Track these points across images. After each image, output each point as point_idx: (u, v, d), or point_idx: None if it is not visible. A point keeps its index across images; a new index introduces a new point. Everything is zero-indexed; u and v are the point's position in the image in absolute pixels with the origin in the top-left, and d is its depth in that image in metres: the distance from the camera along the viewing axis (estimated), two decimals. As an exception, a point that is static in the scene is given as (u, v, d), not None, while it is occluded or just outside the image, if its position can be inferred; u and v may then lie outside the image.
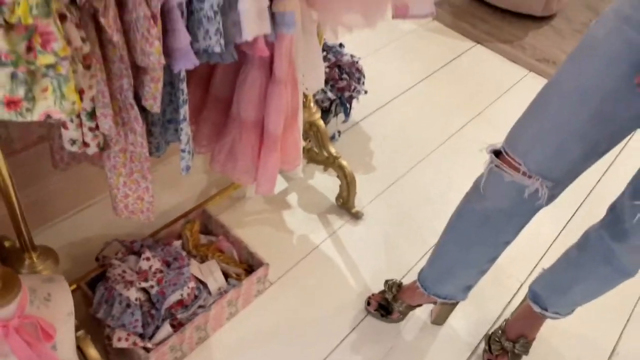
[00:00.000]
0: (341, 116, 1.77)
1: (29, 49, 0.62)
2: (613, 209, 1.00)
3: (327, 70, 1.65)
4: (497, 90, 2.22)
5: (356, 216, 1.62)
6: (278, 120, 1.04)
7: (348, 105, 1.70)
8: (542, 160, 0.88)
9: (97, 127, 0.83)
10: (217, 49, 0.80)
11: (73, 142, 0.84)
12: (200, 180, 1.62)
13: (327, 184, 1.69)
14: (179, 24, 0.75)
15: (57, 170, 1.05)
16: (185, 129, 0.92)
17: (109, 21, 0.69)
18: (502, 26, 2.56)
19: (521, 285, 1.52)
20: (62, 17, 0.63)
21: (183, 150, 0.95)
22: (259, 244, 1.36)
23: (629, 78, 0.75)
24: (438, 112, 2.07)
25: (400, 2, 1.01)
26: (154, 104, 0.82)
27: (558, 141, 0.85)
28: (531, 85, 2.30)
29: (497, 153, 0.95)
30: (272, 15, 0.88)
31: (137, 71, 0.80)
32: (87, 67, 0.70)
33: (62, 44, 0.62)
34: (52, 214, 1.40)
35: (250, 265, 1.36)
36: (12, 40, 0.61)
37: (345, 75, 1.67)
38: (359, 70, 1.71)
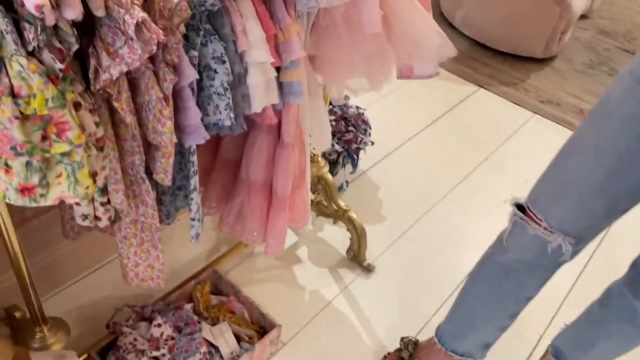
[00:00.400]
0: (349, 167, 1.78)
1: (44, 137, 0.64)
2: (635, 265, 0.99)
3: (334, 123, 1.67)
4: (503, 134, 2.24)
5: (368, 269, 1.60)
6: (286, 183, 1.05)
7: (355, 157, 1.71)
8: (564, 217, 0.88)
9: (108, 201, 0.84)
10: (228, 123, 0.82)
11: (85, 217, 0.85)
12: (210, 237, 1.61)
13: (337, 236, 1.68)
14: (190, 102, 0.77)
15: (68, 239, 1.05)
16: (196, 199, 0.92)
17: (122, 104, 0.70)
18: (503, 69, 2.60)
19: (540, 338, 1.48)
20: (77, 105, 0.65)
21: (193, 219, 0.96)
22: (271, 302, 1.34)
23: None
24: (445, 159, 2.08)
25: (405, 64, 1.03)
26: (165, 178, 0.83)
27: (578, 198, 0.85)
28: (537, 127, 2.31)
29: (520, 207, 0.95)
30: (280, 85, 0.90)
31: (149, 146, 0.81)
32: (100, 148, 0.72)
33: (77, 133, 0.63)
34: (61, 278, 1.39)
35: (262, 326, 1.34)
36: (28, 131, 0.62)
37: (351, 128, 1.69)
38: (365, 122, 1.73)
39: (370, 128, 1.75)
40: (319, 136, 1.11)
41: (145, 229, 0.94)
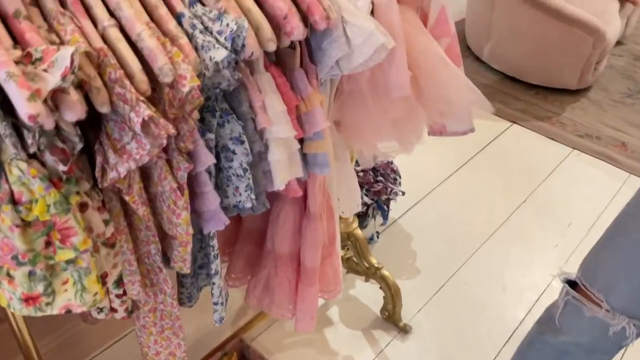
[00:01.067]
0: (379, 218, 1.70)
1: (48, 243, 0.59)
2: None
3: (361, 174, 1.60)
4: (541, 172, 2.12)
5: (404, 330, 1.50)
6: (315, 254, 0.98)
7: (386, 208, 1.63)
8: (628, 298, 0.78)
9: (124, 293, 0.78)
10: (248, 204, 0.76)
11: (100, 310, 0.80)
12: (234, 301, 1.54)
13: (369, 294, 1.59)
14: (207, 187, 0.71)
15: (87, 323, 1.00)
16: (218, 282, 0.86)
17: (134, 197, 0.65)
18: (537, 103, 2.50)
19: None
20: (83, 206, 0.60)
21: (216, 303, 0.89)
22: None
23: None
24: (480, 202, 1.98)
25: (436, 123, 0.96)
26: (184, 266, 0.77)
27: None
28: (577, 163, 2.19)
29: (571, 283, 0.85)
30: (304, 156, 0.84)
31: (165, 234, 0.76)
32: (111, 245, 0.66)
33: (83, 238, 0.58)
34: (81, 353, 1.34)
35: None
36: (29, 239, 0.58)
37: (380, 178, 1.61)
38: (394, 171, 1.65)
39: (400, 177, 1.68)
40: (348, 199, 1.04)
41: (165, 317, 0.88)
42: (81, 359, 1.34)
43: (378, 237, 1.75)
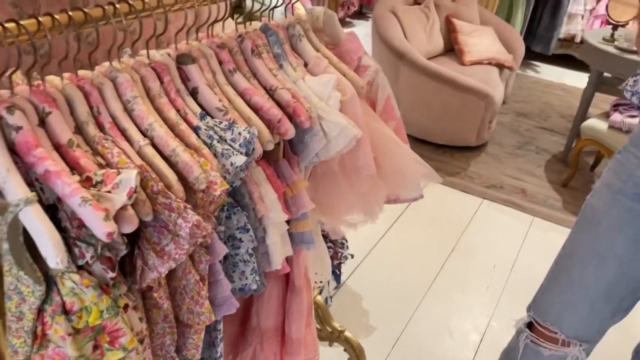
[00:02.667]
0: (332, 282, 1.81)
1: (95, 347, 0.63)
2: (637, 353, 1.07)
3: (311, 243, 1.71)
4: (461, 222, 2.39)
5: (371, 388, 1.58)
6: (300, 326, 1.06)
7: (338, 272, 1.75)
8: (577, 324, 0.95)
9: None
10: (254, 286, 0.84)
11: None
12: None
13: (334, 357, 1.67)
14: (221, 275, 0.79)
15: None
16: (222, 364, 0.91)
17: (161, 293, 0.71)
18: (446, 160, 2.83)
19: None
20: (125, 307, 0.65)
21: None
22: None
23: (638, 241, 0.86)
24: (417, 254, 2.17)
25: (392, 194, 1.13)
26: (197, 353, 0.82)
27: (588, 304, 0.93)
28: (489, 212, 2.49)
29: (528, 325, 1.00)
30: (290, 235, 0.95)
31: (178, 324, 0.81)
32: (141, 342, 0.71)
33: (130, 337, 0.63)
34: None
35: None
36: (79, 345, 0.62)
37: (330, 244, 1.74)
38: (343, 239, 1.79)
39: (346, 240, 1.81)
40: (322, 269, 1.15)
41: None
42: None
43: (331, 301, 1.85)
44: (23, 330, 0.63)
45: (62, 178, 0.59)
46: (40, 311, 0.63)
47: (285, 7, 1.01)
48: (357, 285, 1.99)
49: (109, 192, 0.59)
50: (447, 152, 2.90)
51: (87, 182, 0.60)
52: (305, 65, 0.97)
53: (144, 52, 0.78)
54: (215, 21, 0.86)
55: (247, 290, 0.85)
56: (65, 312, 0.61)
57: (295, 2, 1.04)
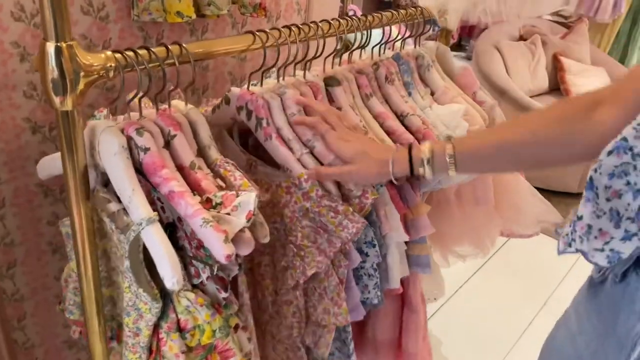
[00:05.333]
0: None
1: None
2: None
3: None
4: (555, 274, 2.40)
5: None
6: (417, 341, 1.16)
7: (424, 312, 1.83)
8: None
9: None
10: (375, 301, 0.96)
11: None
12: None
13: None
14: (352, 282, 0.92)
15: None
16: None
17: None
18: (541, 206, 2.86)
19: None
20: (236, 327, 0.75)
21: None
22: None
23: None
24: (502, 305, 2.20)
25: (506, 228, 1.22)
26: (327, 351, 0.95)
27: None
28: (587, 265, 2.47)
29: None
30: (407, 257, 1.06)
31: (311, 324, 0.94)
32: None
33: (240, 357, 0.73)
34: None
35: None
36: None
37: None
38: (430, 274, 1.87)
39: (433, 280, 1.90)
40: (435, 288, 1.25)
41: None
42: None
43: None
44: (139, 346, 0.71)
45: (186, 199, 0.66)
46: (155, 327, 0.70)
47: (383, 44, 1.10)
48: (437, 329, 2.05)
49: (228, 214, 0.66)
50: (545, 196, 2.92)
51: (207, 203, 0.68)
52: (432, 94, 1.11)
53: (297, 72, 0.94)
54: (356, 48, 1.01)
55: (368, 304, 0.97)
56: (180, 329, 0.70)
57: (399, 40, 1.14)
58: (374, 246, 0.94)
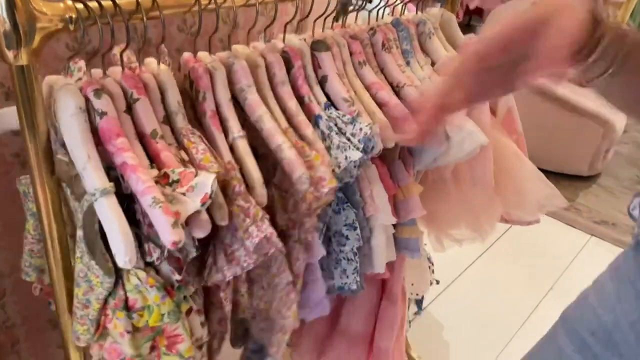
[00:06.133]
0: (412, 307, 1.82)
1: (153, 348, 0.68)
2: None
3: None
4: (562, 260, 2.32)
5: None
6: (390, 335, 1.10)
7: (421, 298, 1.76)
8: None
9: None
10: (354, 286, 0.89)
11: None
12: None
13: (405, 386, 1.68)
14: (318, 274, 0.85)
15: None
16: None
17: (227, 294, 0.76)
18: (550, 188, 2.76)
19: None
20: (188, 311, 0.70)
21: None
22: None
23: None
24: (506, 290, 2.13)
25: (506, 213, 1.14)
26: (278, 352, 0.88)
27: None
28: (597, 251, 2.40)
29: None
30: (395, 239, 0.99)
31: (266, 318, 0.87)
32: (200, 347, 0.76)
33: (188, 345, 0.67)
34: None
35: None
36: (137, 344, 0.66)
37: (415, 263, 1.76)
38: (428, 259, 1.80)
39: (432, 264, 1.83)
40: (420, 282, 1.18)
41: None
42: None
43: (410, 326, 1.86)
44: (87, 318, 0.67)
45: (138, 173, 0.61)
46: (104, 302, 0.66)
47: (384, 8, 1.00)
48: (439, 313, 1.99)
49: (183, 193, 0.61)
50: (553, 179, 2.78)
51: (164, 178, 0.63)
52: (433, 64, 1.02)
53: (281, 36, 0.85)
54: (353, 10, 0.92)
55: (346, 290, 0.90)
56: (127, 308, 0.65)
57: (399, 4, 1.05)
58: (354, 229, 0.87)
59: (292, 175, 0.74)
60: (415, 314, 1.88)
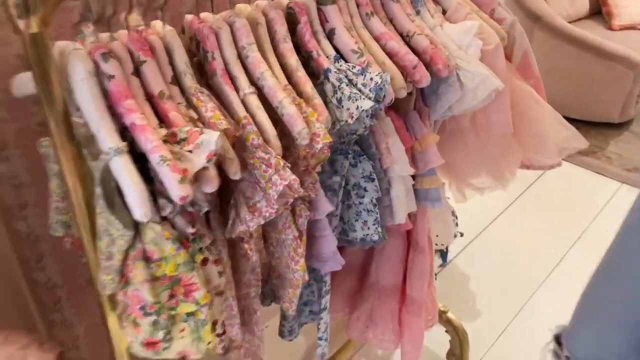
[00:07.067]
0: (437, 260, 1.83)
1: (171, 296, 0.71)
2: None
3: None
4: (592, 208, 2.29)
5: (474, 375, 1.61)
6: (422, 285, 1.12)
7: (445, 250, 1.77)
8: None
9: (224, 332, 0.87)
10: (375, 237, 0.90)
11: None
12: (300, 344, 1.66)
13: (434, 337, 1.70)
14: (327, 231, 0.86)
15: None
16: (325, 318, 0.99)
17: (252, 245, 0.79)
18: (579, 137, 2.70)
19: None
20: (204, 261, 0.73)
21: (320, 339, 1.02)
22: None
23: None
24: (534, 240, 2.12)
25: (526, 158, 1.12)
26: (291, 307, 0.91)
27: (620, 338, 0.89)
28: (628, 199, 2.35)
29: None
30: (415, 191, 0.99)
31: (270, 274, 0.89)
32: (221, 294, 0.79)
33: (203, 293, 0.71)
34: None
35: None
36: (156, 292, 0.70)
37: (439, 217, 1.76)
38: (452, 212, 1.80)
39: (457, 218, 1.82)
40: (445, 231, 1.19)
41: (248, 355, 0.98)
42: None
43: (436, 278, 1.88)
44: (111, 269, 0.71)
45: (146, 133, 0.64)
46: (125, 254, 0.70)
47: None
48: (465, 265, 2.00)
49: (190, 151, 0.64)
50: (583, 128, 2.71)
51: (172, 137, 0.66)
52: (444, 12, 1.00)
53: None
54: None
55: (368, 241, 0.92)
56: (146, 259, 0.69)
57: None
58: (372, 180, 0.87)
59: (293, 130, 0.74)
60: (440, 266, 1.90)
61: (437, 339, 1.68)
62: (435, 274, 1.88)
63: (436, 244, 1.24)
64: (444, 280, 1.91)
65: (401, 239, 1.08)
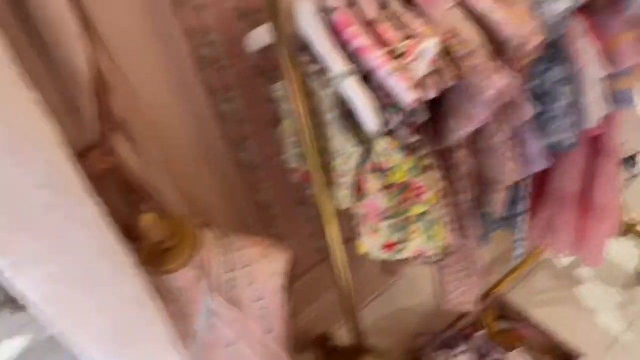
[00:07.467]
0: (624, 171, 1.72)
1: (404, 200, 0.79)
2: None
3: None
4: None
5: (671, 289, 1.53)
6: (608, 191, 1.09)
7: (635, 160, 1.66)
8: None
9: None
10: (573, 140, 0.91)
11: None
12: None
13: (624, 250, 1.64)
14: (529, 133, 0.88)
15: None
16: (524, 218, 1.02)
17: (460, 154, 0.84)
18: None
19: None
20: (427, 168, 0.80)
21: (521, 239, 1.06)
22: (561, 327, 1.39)
23: None
24: None
25: None
26: (496, 212, 0.95)
27: None
28: None
29: None
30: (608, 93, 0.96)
31: (480, 180, 0.94)
32: (444, 197, 0.85)
33: (432, 194, 0.78)
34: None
35: (559, 354, 1.38)
36: (390, 197, 0.79)
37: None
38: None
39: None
40: (635, 138, 1.14)
41: (467, 258, 1.06)
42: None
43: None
44: (347, 185, 0.82)
45: (372, 52, 0.72)
46: (359, 168, 0.80)
47: None
48: (656, 175, 1.85)
49: (411, 62, 0.70)
50: None
51: (390, 54, 0.72)
52: None
53: None
54: None
55: (562, 146, 0.92)
56: (379, 170, 0.77)
57: None
58: (565, 85, 0.87)
59: (502, 35, 0.76)
60: (633, 177, 1.77)
61: (626, 253, 1.61)
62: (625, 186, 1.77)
63: (624, 153, 1.19)
64: (635, 192, 1.78)
65: (586, 145, 1.05)
